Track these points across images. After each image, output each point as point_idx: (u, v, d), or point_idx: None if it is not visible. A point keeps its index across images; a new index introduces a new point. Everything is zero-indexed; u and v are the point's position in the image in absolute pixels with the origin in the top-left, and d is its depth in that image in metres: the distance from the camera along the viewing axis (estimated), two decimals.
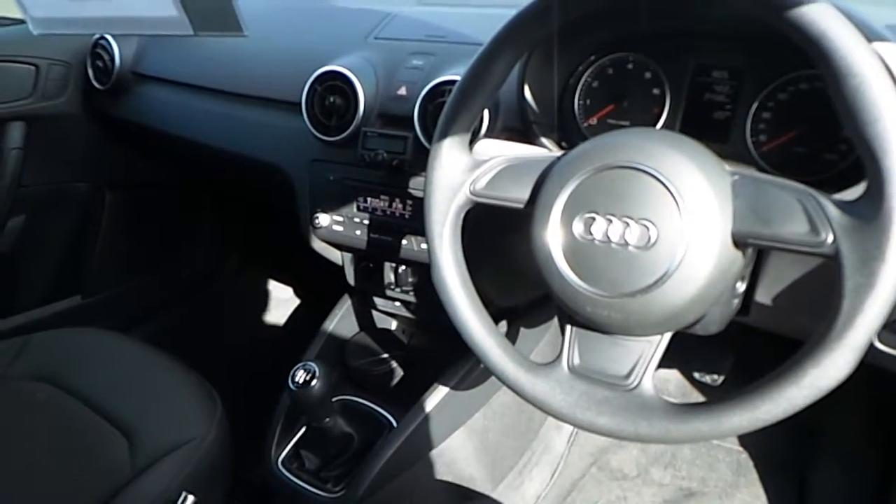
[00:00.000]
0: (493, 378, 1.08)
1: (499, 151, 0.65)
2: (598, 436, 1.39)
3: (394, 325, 1.22)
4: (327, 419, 0.88)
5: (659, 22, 0.74)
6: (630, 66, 0.81)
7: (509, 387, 0.61)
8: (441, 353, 1.09)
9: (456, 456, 1.04)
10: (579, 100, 0.84)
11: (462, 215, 0.65)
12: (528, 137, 0.81)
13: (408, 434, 0.92)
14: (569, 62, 0.82)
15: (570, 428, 1.37)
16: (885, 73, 0.45)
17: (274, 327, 1.80)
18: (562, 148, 0.83)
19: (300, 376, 0.83)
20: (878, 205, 0.44)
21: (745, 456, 1.26)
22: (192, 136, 1.11)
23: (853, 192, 0.48)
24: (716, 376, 1.32)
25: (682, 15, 0.72)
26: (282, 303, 1.86)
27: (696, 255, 0.51)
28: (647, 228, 0.52)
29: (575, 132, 0.85)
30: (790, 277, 0.68)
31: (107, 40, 1.20)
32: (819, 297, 0.51)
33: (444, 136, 0.64)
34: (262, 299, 1.82)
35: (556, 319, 0.66)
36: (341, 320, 1.11)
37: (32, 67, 1.21)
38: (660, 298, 0.52)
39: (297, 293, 1.88)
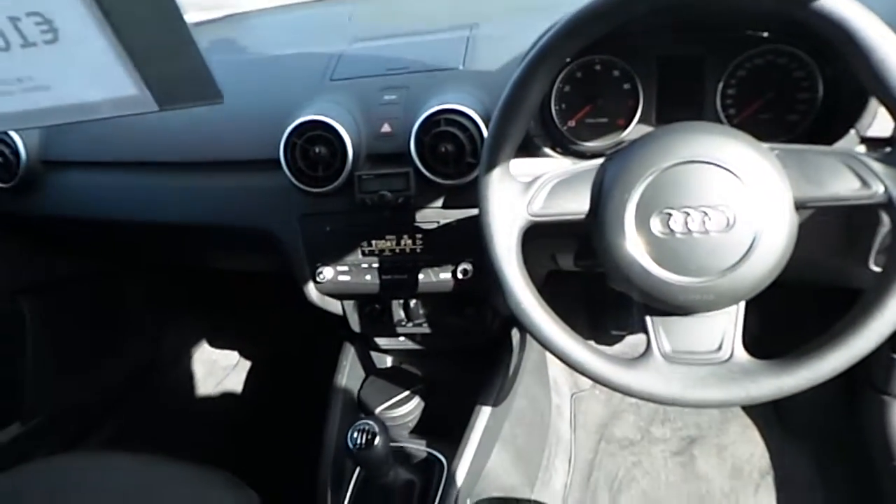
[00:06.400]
0: (513, 386, 1.11)
1: (540, 169, 0.67)
2: (593, 411, 1.47)
3: (389, 361, 1.20)
4: (391, 472, 0.85)
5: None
6: (598, 67, 0.86)
7: (613, 387, 0.64)
8: (455, 376, 1.10)
9: (498, 471, 1.05)
10: (555, 106, 0.88)
11: (522, 236, 0.66)
12: (528, 150, 0.84)
13: (466, 468, 0.92)
14: None
15: (570, 412, 1.43)
16: None
17: (232, 396, 1.68)
18: (558, 153, 0.87)
19: (359, 437, 0.80)
20: None
21: None
22: (142, 217, 1.01)
23: (886, 148, 0.56)
24: None
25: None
26: (230, 370, 1.75)
27: (772, 226, 0.57)
28: (724, 212, 0.57)
29: (558, 136, 0.89)
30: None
31: (3, 132, 1.05)
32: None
33: (492, 165, 0.65)
34: (211, 372, 1.70)
35: None
36: (350, 370, 1.08)
37: None
38: (748, 271, 0.57)
39: (244, 356, 1.78)
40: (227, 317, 1.78)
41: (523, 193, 0.65)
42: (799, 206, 0.58)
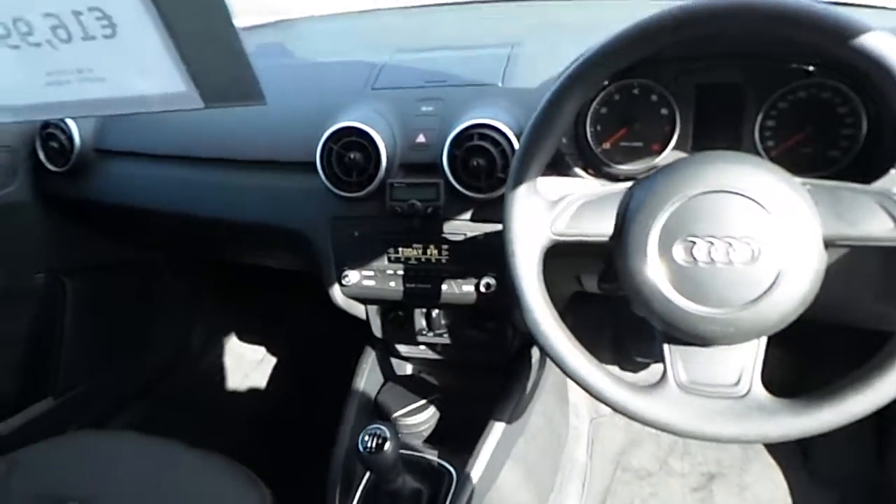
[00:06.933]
0: (530, 403, 1.10)
1: (567, 189, 0.67)
2: (612, 438, 1.44)
3: (409, 368, 1.21)
4: (399, 479, 0.86)
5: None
6: (636, 91, 0.86)
7: (626, 413, 0.63)
8: (473, 388, 1.10)
9: (508, 487, 1.04)
10: (590, 127, 0.88)
11: (543, 255, 0.67)
12: (558, 169, 0.85)
13: (475, 482, 0.92)
14: None
15: (587, 436, 1.41)
16: None
17: (256, 391, 1.72)
18: (589, 174, 0.87)
19: (369, 441, 0.80)
20: None
21: None
22: (181, 208, 1.05)
23: None
24: None
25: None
26: (256, 364, 1.79)
27: (798, 261, 0.56)
28: (749, 244, 0.56)
29: (592, 158, 0.89)
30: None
31: (60, 119, 1.11)
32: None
33: (519, 182, 0.65)
34: (238, 365, 1.74)
35: None
36: (369, 374, 1.09)
37: None
38: (771, 307, 0.56)
39: (270, 352, 1.82)
40: (256, 313, 1.83)
41: (548, 211, 0.66)
42: (828, 243, 0.57)
